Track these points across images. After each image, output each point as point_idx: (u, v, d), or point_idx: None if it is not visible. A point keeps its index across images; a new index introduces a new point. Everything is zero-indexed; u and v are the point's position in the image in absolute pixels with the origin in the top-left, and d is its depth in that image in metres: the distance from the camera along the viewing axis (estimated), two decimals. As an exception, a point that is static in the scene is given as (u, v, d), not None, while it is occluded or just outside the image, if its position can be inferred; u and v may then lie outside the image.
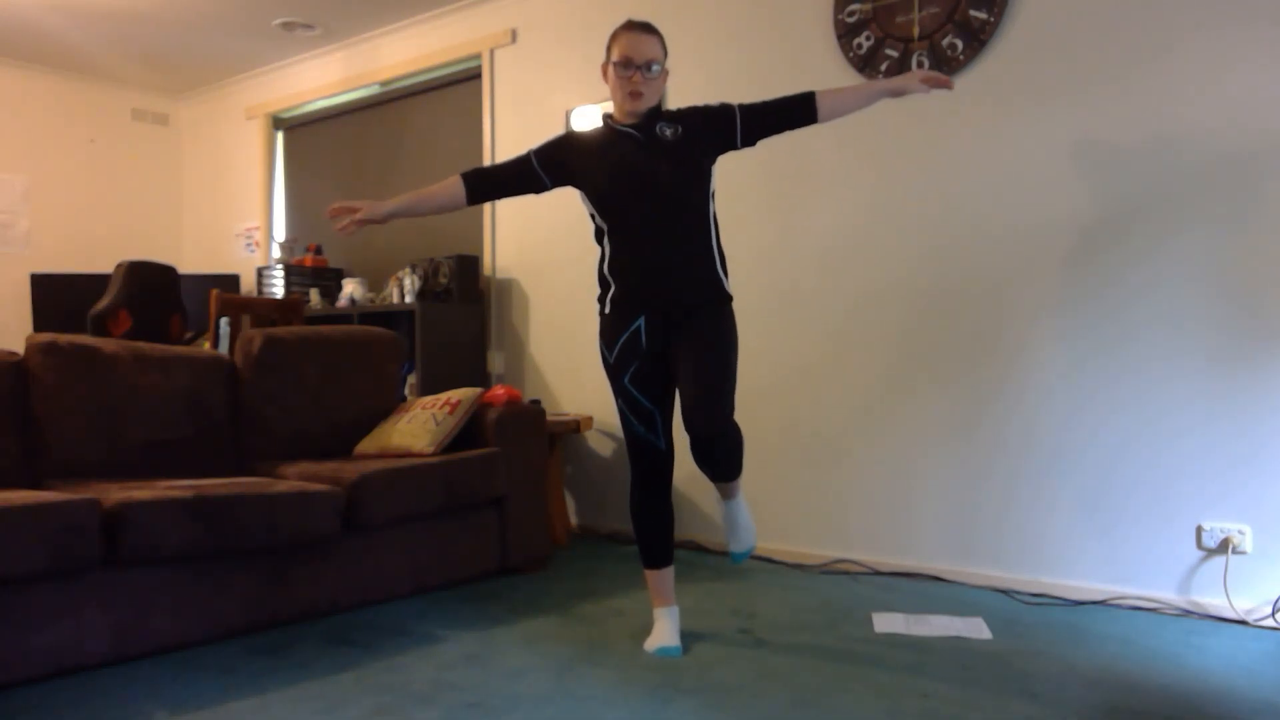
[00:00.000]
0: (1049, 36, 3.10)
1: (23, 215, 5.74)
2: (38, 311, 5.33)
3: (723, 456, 2.37)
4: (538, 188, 2.53)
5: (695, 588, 3.15)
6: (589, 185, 2.46)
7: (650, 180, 2.39)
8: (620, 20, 2.55)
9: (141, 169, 6.27)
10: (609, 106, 2.58)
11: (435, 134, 5.06)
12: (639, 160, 2.41)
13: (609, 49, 2.45)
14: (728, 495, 2.55)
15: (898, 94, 2.47)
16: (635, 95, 2.41)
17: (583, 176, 2.48)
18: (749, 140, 2.48)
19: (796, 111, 2.45)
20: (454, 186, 2.49)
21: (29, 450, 2.76)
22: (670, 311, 2.42)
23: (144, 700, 2.15)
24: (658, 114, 2.47)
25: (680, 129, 2.44)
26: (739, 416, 3.70)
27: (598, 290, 2.54)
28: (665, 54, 2.46)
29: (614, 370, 2.49)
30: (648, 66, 2.39)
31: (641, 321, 2.44)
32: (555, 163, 2.51)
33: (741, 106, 2.47)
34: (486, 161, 4.65)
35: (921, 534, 3.34)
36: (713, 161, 2.47)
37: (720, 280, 2.45)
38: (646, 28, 2.43)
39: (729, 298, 2.48)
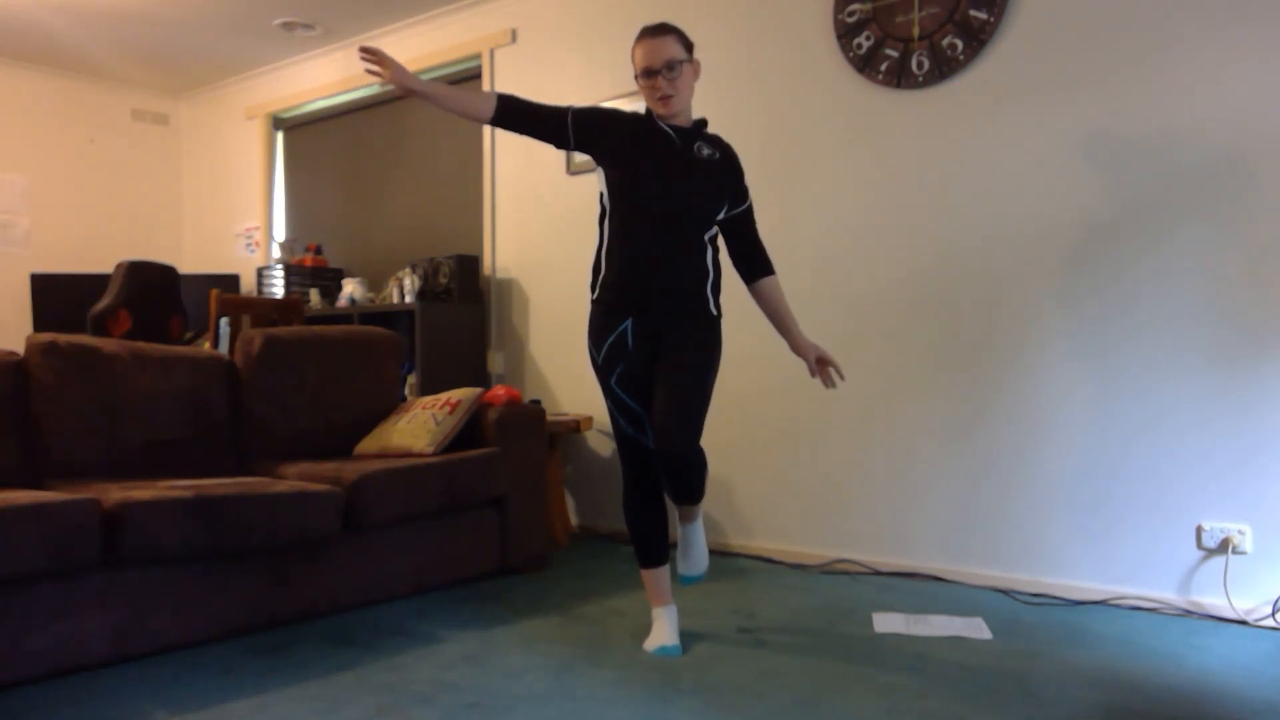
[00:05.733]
0: (1049, 36, 3.10)
1: (23, 215, 5.75)
2: (38, 311, 5.33)
3: (685, 478, 2.39)
4: (560, 142, 2.47)
5: (695, 588, 3.14)
6: (614, 162, 2.44)
7: (671, 182, 2.40)
8: (621, 22, 2.54)
9: (141, 169, 6.28)
10: (611, 106, 2.58)
11: (435, 134, 5.06)
12: (669, 160, 2.41)
13: (632, 61, 2.45)
14: (687, 519, 2.60)
15: (796, 352, 2.59)
16: (665, 100, 2.40)
17: (610, 152, 2.44)
18: (723, 224, 2.53)
19: (756, 261, 2.58)
20: (485, 98, 2.43)
21: (29, 450, 2.76)
22: (655, 314, 2.43)
23: (144, 700, 2.15)
24: (701, 131, 2.49)
25: (718, 155, 2.48)
26: (739, 417, 3.75)
27: (590, 278, 2.54)
28: (689, 47, 2.44)
29: (601, 371, 2.50)
30: (668, 67, 2.38)
31: (629, 323, 2.44)
32: (590, 128, 2.46)
33: (751, 206, 2.56)
34: (487, 165, 4.65)
35: (921, 534, 3.34)
36: (726, 196, 2.50)
37: (707, 297, 2.46)
38: (658, 30, 2.41)
39: (716, 316, 2.49)
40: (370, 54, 2.34)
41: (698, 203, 2.42)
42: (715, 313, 2.49)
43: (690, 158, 2.43)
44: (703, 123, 2.50)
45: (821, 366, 2.55)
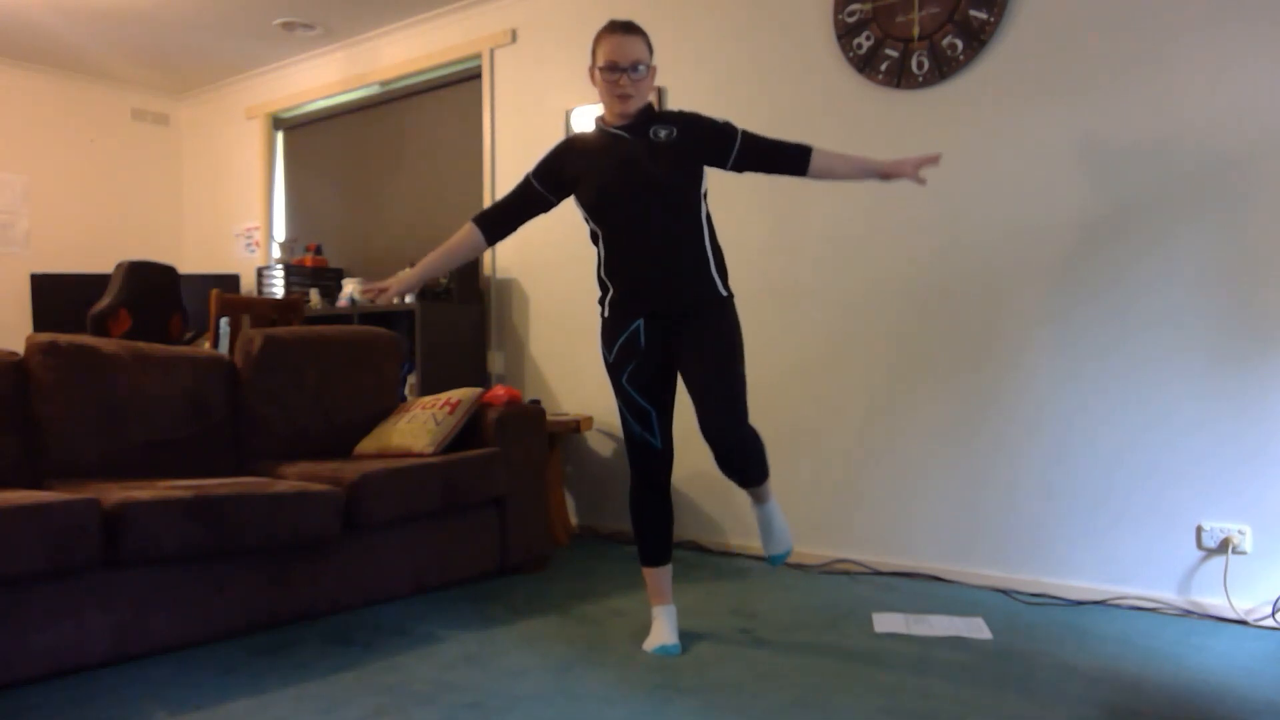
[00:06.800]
0: (1049, 36, 3.10)
1: (23, 215, 5.74)
2: (38, 311, 5.33)
3: (743, 463, 2.38)
4: (545, 206, 2.57)
5: (695, 588, 3.15)
6: (582, 191, 2.47)
7: (642, 181, 2.39)
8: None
9: (141, 169, 6.27)
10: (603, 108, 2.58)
11: (435, 134, 5.06)
12: (631, 162, 2.41)
13: (593, 53, 2.45)
14: (758, 500, 2.57)
15: (888, 177, 2.48)
16: (624, 98, 2.41)
17: (577, 183, 2.48)
18: (739, 167, 2.49)
19: (791, 159, 2.47)
20: (471, 234, 2.57)
21: (29, 450, 2.76)
22: (667, 312, 2.43)
23: (144, 700, 2.15)
24: (651, 115, 2.47)
25: (675, 131, 2.44)
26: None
27: (598, 293, 2.56)
28: (651, 52, 2.45)
29: (612, 370, 2.51)
30: (634, 67, 2.39)
31: (640, 322, 2.45)
32: (553, 177, 2.53)
33: (743, 132, 2.47)
34: (487, 165, 4.66)
35: (921, 534, 3.34)
36: (703, 166, 2.47)
37: (714, 280, 2.45)
38: (629, 28, 2.42)
39: (727, 297, 2.48)
40: (371, 292, 2.49)
41: (668, 189, 2.40)
42: (726, 294, 2.48)
43: (650, 146, 2.42)
44: (649, 108, 2.48)
45: (916, 168, 2.44)
